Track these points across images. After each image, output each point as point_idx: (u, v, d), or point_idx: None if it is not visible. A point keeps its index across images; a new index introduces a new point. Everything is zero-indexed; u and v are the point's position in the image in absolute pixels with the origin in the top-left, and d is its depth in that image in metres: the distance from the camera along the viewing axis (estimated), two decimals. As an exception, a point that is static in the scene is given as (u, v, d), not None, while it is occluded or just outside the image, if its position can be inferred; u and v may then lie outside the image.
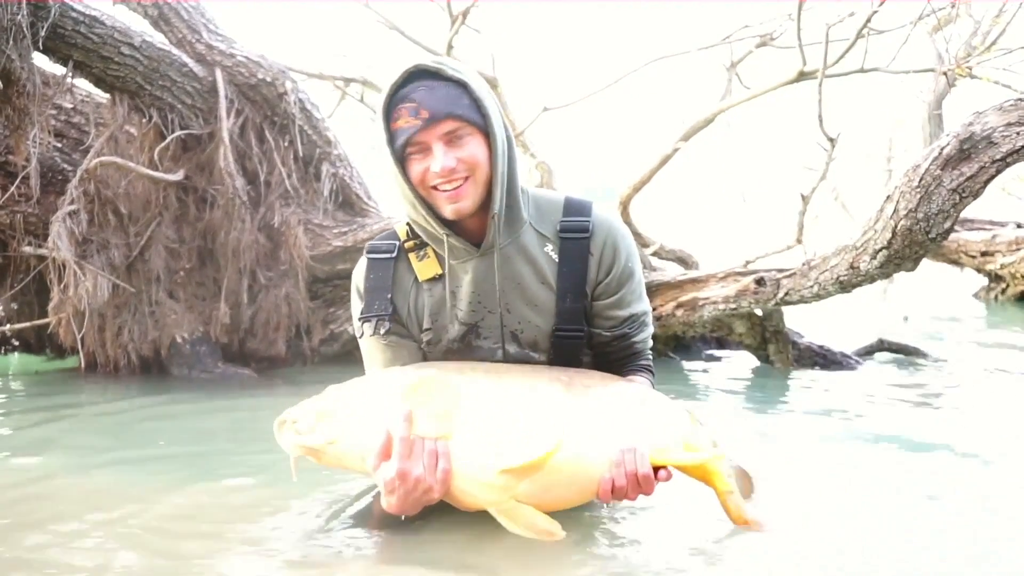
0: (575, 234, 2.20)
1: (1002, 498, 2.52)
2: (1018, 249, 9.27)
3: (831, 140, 4.85)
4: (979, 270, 9.84)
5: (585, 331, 2.24)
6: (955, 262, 9.88)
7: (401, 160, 2.02)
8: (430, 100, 1.96)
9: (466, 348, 2.23)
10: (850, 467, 2.90)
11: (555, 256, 2.19)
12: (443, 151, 1.99)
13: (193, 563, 2.07)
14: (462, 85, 1.99)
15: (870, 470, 2.86)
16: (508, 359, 2.23)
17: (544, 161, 6.63)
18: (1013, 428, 3.62)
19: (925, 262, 9.85)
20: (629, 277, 2.24)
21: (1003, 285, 9.64)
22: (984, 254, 9.54)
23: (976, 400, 4.19)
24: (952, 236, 8.97)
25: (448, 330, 2.21)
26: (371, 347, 2.25)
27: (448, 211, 2.06)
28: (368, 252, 2.26)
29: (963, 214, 4.18)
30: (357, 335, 2.28)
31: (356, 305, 2.27)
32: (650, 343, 2.36)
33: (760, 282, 4.30)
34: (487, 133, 2.03)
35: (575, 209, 2.23)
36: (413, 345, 2.24)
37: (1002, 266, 9.43)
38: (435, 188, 2.03)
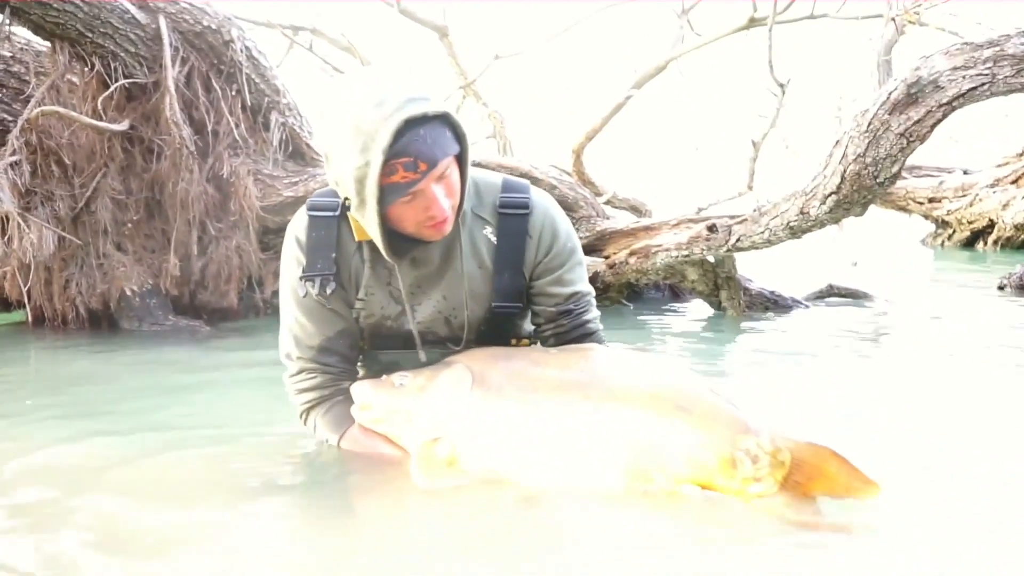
0: (514, 210, 2.19)
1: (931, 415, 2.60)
2: (964, 195, 9.44)
3: (781, 86, 4.87)
4: (926, 216, 10.02)
5: (522, 306, 2.25)
6: (903, 209, 10.06)
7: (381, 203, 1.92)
8: (425, 149, 1.86)
9: (397, 328, 2.22)
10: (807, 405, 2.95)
11: (493, 238, 2.18)
12: (442, 194, 1.94)
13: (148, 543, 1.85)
14: (441, 117, 1.91)
15: (829, 407, 2.92)
16: (433, 340, 2.25)
17: (496, 111, 6.59)
18: (949, 366, 3.71)
19: (873, 209, 10.02)
20: (571, 254, 2.24)
21: (950, 231, 9.83)
22: (931, 200, 9.72)
23: (921, 342, 4.28)
24: (900, 183, 9.11)
25: (384, 307, 2.19)
26: (309, 311, 2.18)
27: (430, 237, 2.03)
28: (309, 209, 2.18)
29: (910, 161, 4.23)
30: (291, 296, 2.19)
31: (292, 263, 2.19)
32: (601, 326, 2.34)
33: (712, 228, 4.33)
34: (461, 156, 1.98)
35: (514, 187, 2.23)
36: (351, 318, 2.21)
37: (949, 212, 9.61)
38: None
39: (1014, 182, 9.09)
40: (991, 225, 9.27)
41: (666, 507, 1.87)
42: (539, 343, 2.38)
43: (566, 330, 2.29)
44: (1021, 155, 9.25)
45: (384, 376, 2.20)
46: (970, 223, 9.47)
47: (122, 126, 4.54)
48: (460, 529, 1.88)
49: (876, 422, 2.71)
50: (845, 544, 1.73)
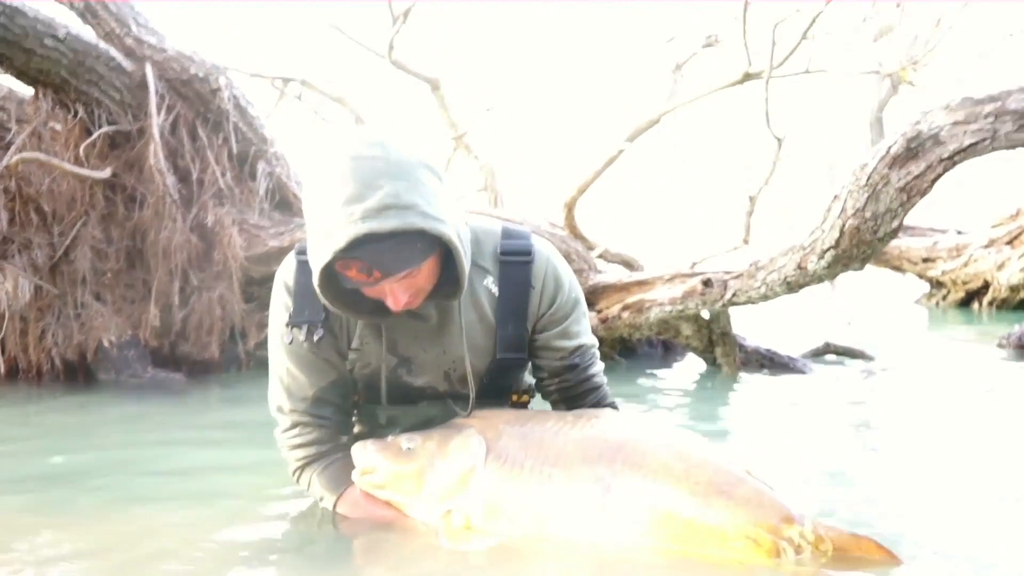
0: (516, 256, 2.09)
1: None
2: (959, 256, 9.39)
3: (778, 140, 4.81)
4: (921, 276, 9.96)
5: (526, 357, 2.15)
6: (897, 268, 10.00)
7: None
8: (384, 261, 1.75)
9: (395, 381, 2.10)
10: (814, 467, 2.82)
11: (494, 289, 2.08)
12: (402, 290, 1.82)
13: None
14: (411, 228, 1.73)
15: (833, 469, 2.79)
16: (434, 396, 2.14)
17: (487, 164, 6.53)
18: (951, 427, 3.59)
19: (868, 268, 9.96)
20: (575, 305, 2.15)
21: (944, 291, 9.76)
22: (926, 260, 9.66)
23: (920, 403, 4.16)
24: (894, 242, 9.06)
25: (378, 358, 2.07)
26: (300, 360, 2.06)
27: (392, 308, 1.89)
28: (298, 253, 2.06)
29: (905, 221, 4.16)
30: (279, 344, 2.07)
31: (280, 310, 2.07)
32: (605, 379, 2.24)
33: (707, 283, 4.23)
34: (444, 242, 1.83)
35: (514, 234, 2.13)
36: (344, 368, 2.09)
37: (943, 272, 9.54)
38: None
39: (1009, 243, 9.04)
40: (986, 286, 9.20)
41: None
42: (541, 397, 2.27)
43: (571, 385, 2.19)
44: (1015, 216, 9.21)
45: (390, 438, 2.07)
46: (965, 283, 9.40)
47: (104, 173, 4.45)
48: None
49: (877, 484, 2.61)
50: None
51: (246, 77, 6.50)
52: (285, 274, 2.09)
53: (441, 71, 6.64)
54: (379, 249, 1.73)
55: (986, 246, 9.21)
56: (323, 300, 1.87)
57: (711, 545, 1.77)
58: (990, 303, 9.16)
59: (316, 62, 7.25)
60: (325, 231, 1.73)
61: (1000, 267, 8.95)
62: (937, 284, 9.83)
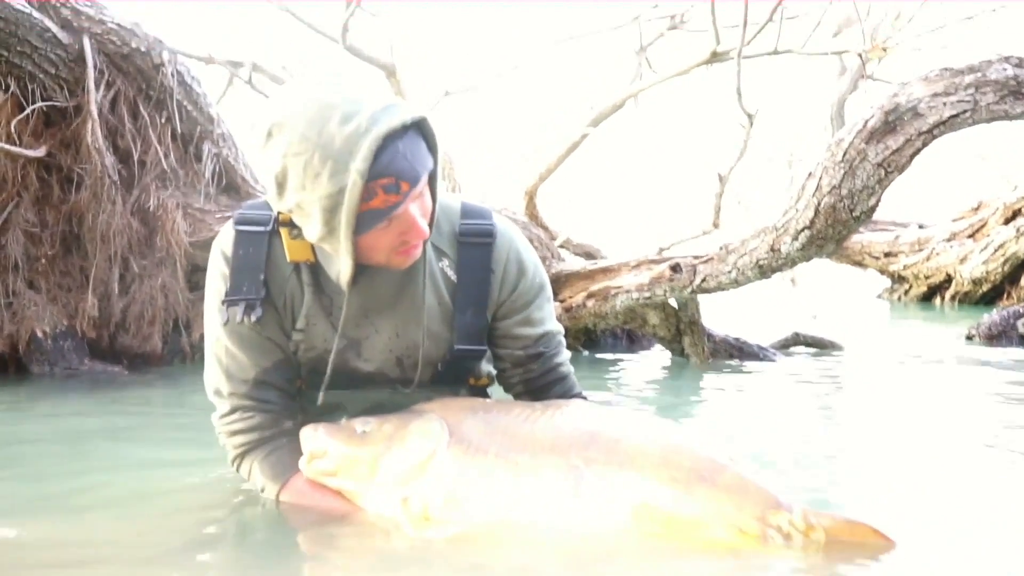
0: (476, 238, 1.91)
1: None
2: (921, 250, 9.36)
3: (749, 117, 4.66)
4: (882, 271, 9.92)
5: (485, 348, 1.97)
6: (859, 263, 9.97)
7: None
8: (407, 167, 1.60)
9: (342, 366, 1.90)
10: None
11: (451, 272, 1.90)
12: (419, 214, 1.66)
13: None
14: (416, 125, 1.63)
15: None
16: (382, 382, 1.95)
17: (445, 152, 6.32)
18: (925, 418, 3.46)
19: (828, 263, 9.90)
20: (539, 291, 1.97)
21: (906, 286, 9.72)
22: (887, 255, 9.63)
23: (893, 391, 4.04)
24: (856, 237, 9.03)
25: (327, 340, 1.87)
26: (242, 339, 1.85)
27: (398, 265, 1.75)
28: (236, 223, 1.85)
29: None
30: (214, 323, 1.87)
31: (218, 280, 1.86)
32: (572, 369, 2.06)
33: (676, 268, 4.06)
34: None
35: (474, 212, 1.95)
36: (288, 347, 1.89)
37: (905, 267, 9.51)
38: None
39: (971, 236, 9.02)
40: (948, 280, 9.17)
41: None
42: (503, 390, 2.09)
43: (536, 375, 2.00)
44: (976, 209, 9.20)
45: (343, 421, 1.87)
46: (927, 278, 9.37)
47: (38, 152, 4.18)
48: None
49: (854, 469, 2.52)
50: None
51: (194, 62, 6.23)
52: (223, 242, 1.88)
53: (397, 56, 6.43)
54: (398, 155, 1.58)
55: (948, 240, 9.19)
56: (349, 262, 1.68)
57: (693, 535, 1.61)
58: (952, 297, 9.13)
59: (268, 46, 6.99)
60: (333, 167, 1.55)
61: (962, 261, 8.92)
62: (899, 279, 9.80)
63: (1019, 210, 8.70)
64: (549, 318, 2.01)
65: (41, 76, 4.16)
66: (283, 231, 1.80)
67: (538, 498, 1.68)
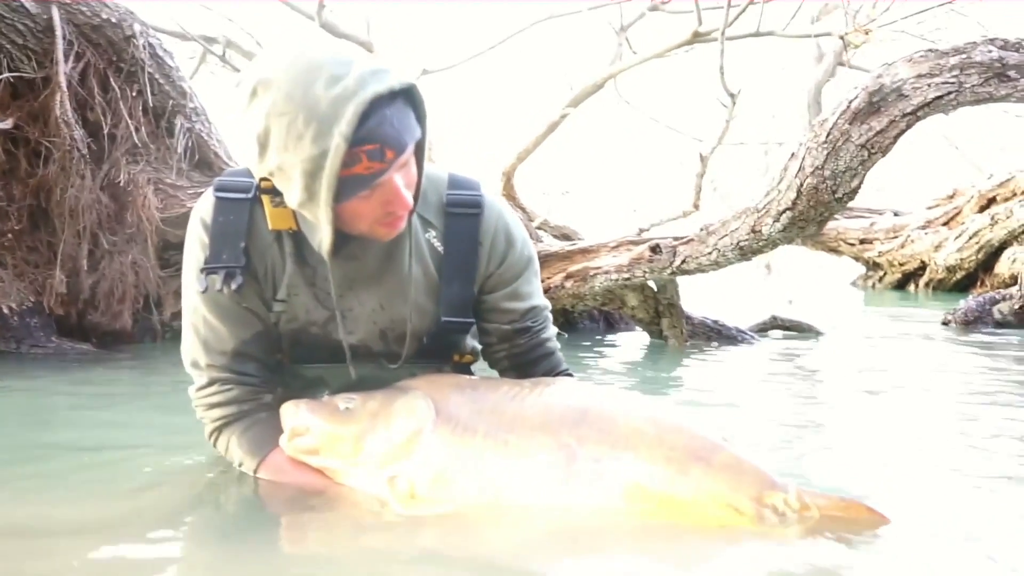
0: (464, 208, 1.87)
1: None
2: (896, 237, 9.39)
3: (732, 96, 4.62)
4: (857, 258, 9.95)
5: (471, 321, 1.93)
6: (834, 250, 9.99)
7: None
8: (393, 134, 1.54)
9: (324, 338, 1.85)
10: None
11: (438, 243, 1.86)
12: (403, 185, 1.61)
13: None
14: (406, 93, 1.58)
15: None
16: (366, 355, 1.89)
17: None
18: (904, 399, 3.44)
19: (803, 250, 9.91)
20: (527, 264, 1.94)
21: (881, 273, 9.76)
22: (862, 242, 9.65)
23: (872, 373, 4.03)
24: (831, 224, 9.03)
25: (309, 311, 1.82)
26: (221, 309, 1.79)
27: (382, 236, 1.70)
28: (216, 190, 1.79)
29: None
30: (192, 292, 1.81)
31: (197, 248, 1.80)
32: (559, 345, 2.03)
33: (655, 249, 4.02)
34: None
35: (462, 183, 1.90)
36: (269, 319, 1.83)
37: (880, 254, 9.54)
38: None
39: (945, 223, 9.05)
40: (923, 267, 9.20)
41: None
42: (489, 366, 2.05)
43: (523, 350, 1.97)
44: (951, 197, 9.24)
45: (325, 397, 1.82)
46: (901, 265, 9.41)
47: (5, 124, 4.06)
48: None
49: (838, 448, 2.46)
50: None
51: (167, 38, 6.11)
52: (203, 209, 1.82)
53: (374, 34, 6.34)
54: (385, 121, 1.52)
55: (923, 227, 9.22)
56: (328, 229, 1.61)
57: (688, 515, 1.58)
58: (927, 284, 9.17)
59: (242, 22, 6.87)
60: (317, 129, 1.49)
61: (937, 248, 8.96)
62: (874, 266, 9.83)
63: (993, 198, 8.76)
64: (537, 292, 1.98)
65: (8, 46, 4.06)
66: (265, 198, 1.74)
67: (529, 478, 1.64)
